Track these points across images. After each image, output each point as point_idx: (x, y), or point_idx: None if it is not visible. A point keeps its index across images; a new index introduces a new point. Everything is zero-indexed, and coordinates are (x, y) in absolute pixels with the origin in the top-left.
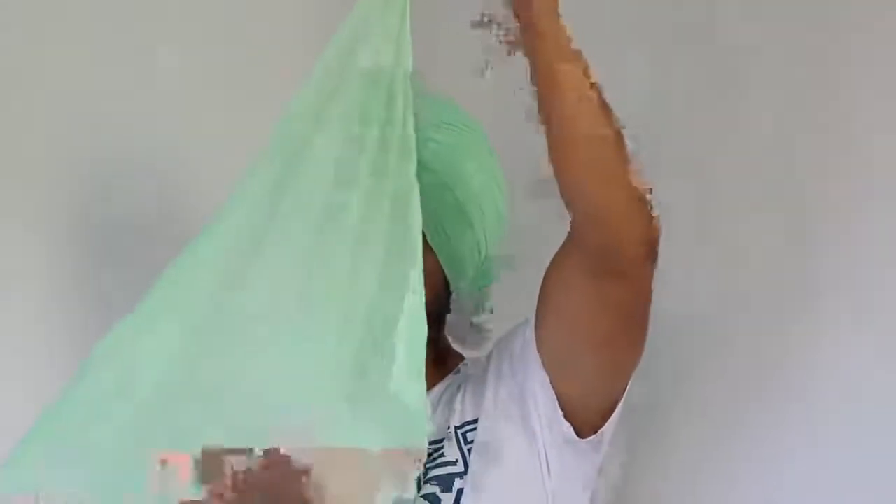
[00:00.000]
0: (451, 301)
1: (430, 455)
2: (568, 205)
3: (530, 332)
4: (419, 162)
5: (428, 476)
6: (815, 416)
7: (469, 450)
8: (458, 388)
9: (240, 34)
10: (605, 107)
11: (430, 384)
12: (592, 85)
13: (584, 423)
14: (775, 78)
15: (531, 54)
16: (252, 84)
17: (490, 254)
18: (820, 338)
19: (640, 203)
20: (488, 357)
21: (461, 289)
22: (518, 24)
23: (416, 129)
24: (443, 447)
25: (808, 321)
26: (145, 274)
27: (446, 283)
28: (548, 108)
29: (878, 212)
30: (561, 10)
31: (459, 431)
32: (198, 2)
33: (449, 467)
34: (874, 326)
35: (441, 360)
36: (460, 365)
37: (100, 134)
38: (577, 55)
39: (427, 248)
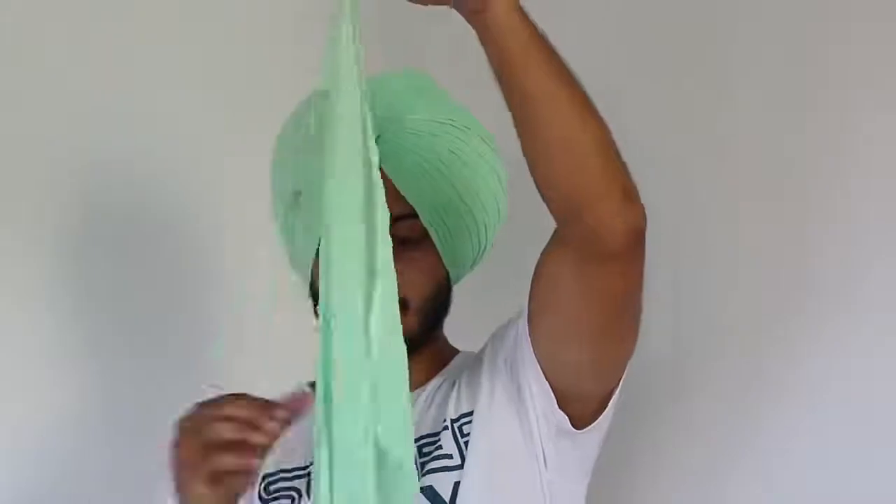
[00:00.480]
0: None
1: (427, 449)
2: (546, 199)
3: (523, 325)
4: (425, 160)
5: (425, 470)
6: (815, 418)
7: (465, 443)
8: (454, 382)
9: (240, 34)
10: (584, 108)
11: (427, 378)
12: (572, 88)
13: (580, 413)
14: (774, 76)
15: (488, 49)
16: (252, 85)
17: (487, 249)
18: (818, 339)
19: (624, 192)
20: (483, 350)
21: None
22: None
23: (420, 129)
24: (439, 440)
25: (806, 323)
26: (144, 274)
27: (448, 278)
28: (521, 115)
29: (876, 212)
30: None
31: (455, 425)
32: (198, 2)
33: (445, 460)
34: (873, 327)
35: (438, 355)
36: (455, 358)
37: (99, 135)
38: (543, 47)
39: (430, 242)
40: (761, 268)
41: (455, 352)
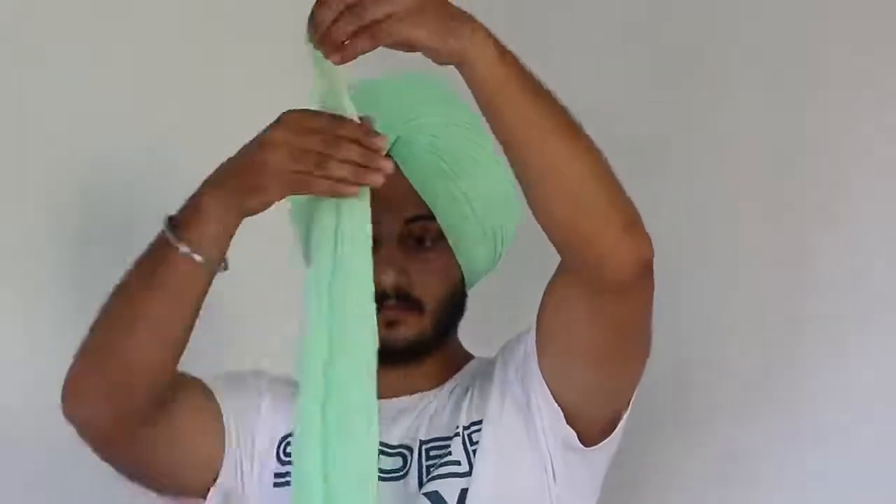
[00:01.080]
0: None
1: (435, 453)
2: (547, 233)
3: (531, 344)
4: (442, 161)
5: (432, 474)
6: (818, 420)
7: (474, 451)
8: (466, 388)
9: (242, 34)
10: (574, 138)
11: (440, 381)
12: (560, 120)
13: (590, 431)
14: (774, 76)
15: (474, 93)
16: (251, 84)
17: (502, 254)
18: (820, 340)
19: (626, 223)
20: (495, 359)
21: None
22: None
23: (437, 131)
24: (450, 446)
25: (807, 324)
26: None
27: (462, 281)
28: (512, 155)
29: (876, 212)
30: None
31: (466, 432)
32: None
33: (454, 467)
34: (875, 326)
35: (452, 358)
36: (469, 363)
37: (99, 133)
38: (528, 91)
39: (446, 244)
40: (762, 268)
41: (469, 357)
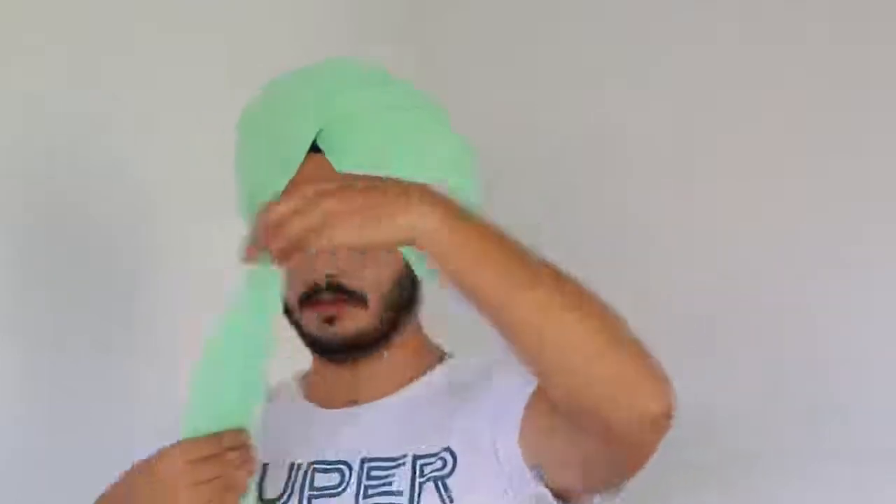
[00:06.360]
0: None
1: (378, 474)
2: (567, 411)
3: (517, 415)
4: (362, 141)
5: (370, 495)
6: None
7: (421, 484)
8: (430, 402)
9: (228, 39)
10: (567, 308)
11: (401, 383)
12: (545, 290)
13: (568, 494)
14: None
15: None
16: (235, 88)
17: None
18: (818, 343)
19: (654, 384)
20: (469, 385)
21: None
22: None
23: (354, 110)
24: (394, 474)
25: (806, 326)
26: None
27: (409, 267)
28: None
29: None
30: None
31: (419, 462)
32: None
33: (395, 497)
34: (874, 328)
35: (414, 356)
36: (440, 366)
37: (69, 136)
38: (500, 257)
39: None
40: (760, 269)
41: (438, 354)
